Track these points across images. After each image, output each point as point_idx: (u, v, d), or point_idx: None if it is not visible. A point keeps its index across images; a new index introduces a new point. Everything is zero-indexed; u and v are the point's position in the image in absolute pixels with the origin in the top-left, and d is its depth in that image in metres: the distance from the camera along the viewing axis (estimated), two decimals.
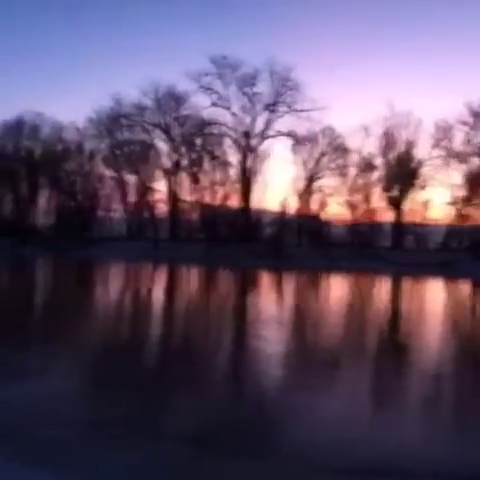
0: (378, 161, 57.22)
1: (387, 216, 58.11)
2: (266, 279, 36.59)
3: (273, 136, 63.16)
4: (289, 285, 33.67)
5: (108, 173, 65.87)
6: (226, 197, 59.71)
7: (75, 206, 64.54)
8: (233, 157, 62.51)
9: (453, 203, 55.64)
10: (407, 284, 35.69)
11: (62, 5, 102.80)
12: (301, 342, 14.30)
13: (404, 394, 9.33)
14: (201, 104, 63.50)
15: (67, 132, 65.64)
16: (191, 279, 35.91)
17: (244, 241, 55.81)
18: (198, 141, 63.18)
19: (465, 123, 54.39)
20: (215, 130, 63.50)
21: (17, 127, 66.06)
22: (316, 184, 59.56)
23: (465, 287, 35.89)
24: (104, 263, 43.98)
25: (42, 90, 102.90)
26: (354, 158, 57.03)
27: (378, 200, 57.80)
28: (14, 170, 65.94)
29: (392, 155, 57.21)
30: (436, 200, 57.79)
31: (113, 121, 62.37)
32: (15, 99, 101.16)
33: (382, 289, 33.45)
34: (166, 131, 63.81)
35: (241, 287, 31.49)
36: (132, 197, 66.73)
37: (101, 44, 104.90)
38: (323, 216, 57.97)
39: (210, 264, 43.67)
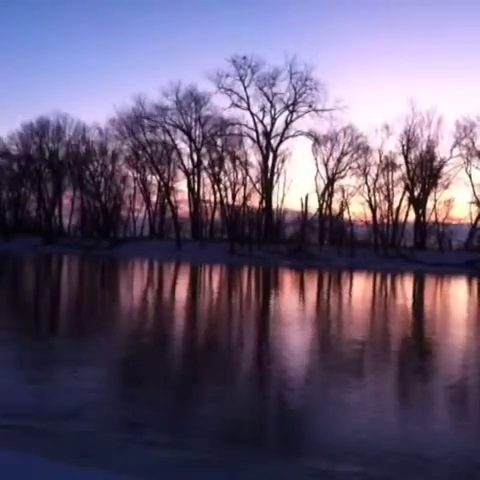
0: (400, 160, 57.02)
1: (409, 216, 57.91)
2: (290, 279, 36.77)
3: (293, 136, 63.38)
4: (314, 285, 33.78)
5: (131, 174, 66.68)
6: (247, 197, 59.96)
7: (99, 206, 65.32)
8: (254, 157, 62.85)
9: (476, 202, 55.17)
10: (431, 284, 35.55)
11: (85, 8, 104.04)
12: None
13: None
14: (222, 105, 64.21)
15: (90, 133, 66.52)
16: (217, 279, 36.18)
17: (266, 241, 56.06)
18: (219, 141, 63.52)
19: None
20: (236, 130, 63.88)
21: (41, 128, 67.01)
22: (337, 183, 59.56)
23: None
24: (129, 263, 44.53)
25: (65, 91, 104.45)
26: (375, 157, 56.87)
27: (400, 199, 57.65)
28: (38, 171, 66.96)
29: (414, 154, 56.95)
30: (459, 199, 57.40)
31: (135, 122, 62.95)
32: (39, 100, 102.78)
33: (408, 289, 33.38)
34: (187, 132, 64.28)
35: (267, 287, 31.69)
36: (155, 197, 67.54)
37: (123, 46, 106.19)
38: (345, 216, 57.85)
39: (233, 264, 43.97)
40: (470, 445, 6.96)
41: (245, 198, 59.54)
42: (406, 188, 57.11)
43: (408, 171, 56.69)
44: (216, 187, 62.17)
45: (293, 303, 22.80)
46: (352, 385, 9.58)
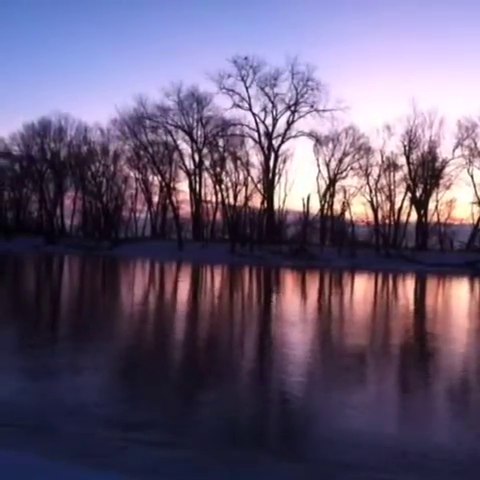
0: (401, 161, 56.95)
1: (411, 216, 57.83)
2: (291, 279, 36.75)
3: (295, 136, 63.34)
4: (315, 285, 33.77)
5: (132, 174, 66.69)
6: (249, 197, 59.95)
7: (101, 207, 65.36)
8: (255, 157, 62.83)
9: (478, 203, 55.09)
10: (433, 285, 35.50)
11: (85, 7, 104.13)
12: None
13: None
14: (223, 105, 64.19)
15: (92, 133, 66.53)
16: (219, 279, 36.17)
17: (268, 241, 56.02)
18: (220, 142, 63.52)
19: None
20: (237, 131, 63.86)
21: (43, 129, 67.02)
22: (339, 184, 59.49)
23: None
24: (130, 263, 44.50)
25: (67, 92, 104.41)
26: (377, 158, 56.80)
27: (402, 200, 57.60)
28: (40, 171, 67.03)
29: (416, 154, 56.86)
30: (461, 200, 57.29)
31: (136, 122, 62.95)
32: (40, 101, 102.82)
33: (410, 290, 33.35)
34: (189, 132, 64.30)
35: (269, 288, 31.67)
36: (156, 198, 67.59)
37: (124, 46, 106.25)
38: (346, 216, 57.80)
39: (234, 264, 43.95)
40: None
41: (247, 198, 59.54)
42: (408, 189, 57.04)
43: (410, 172, 56.60)
44: (218, 187, 62.20)
45: (296, 304, 22.79)
46: (357, 388, 9.56)
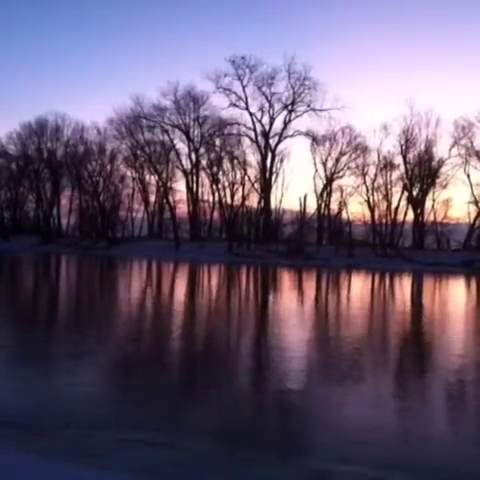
0: (398, 160, 57.06)
1: (408, 215, 57.96)
2: (288, 278, 36.76)
3: (292, 136, 63.35)
4: (312, 285, 33.78)
5: (129, 173, 66.63)
6: (246, 197, 59.99)
7: (97, 206, 65.25)
8: (252, 157, 62.84)
9: (474, 202, 55.25)
10: (429, 284, 35.57)
11: (83, 7, 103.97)
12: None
13: None
14: (220, 104, 63.98)
15: (88, 133, 66.45)
16: (216, 279, 36.14)
17: (265, 240, 56.04)
18: (217, 141, 63.56)
19: None
20: (234, 130, 63.86)
21: (39, 128, 66.92)
22: (336, 183, 59.59)
23: None
24: (127, 263, 44.46)
25: (64, 91, 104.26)
26: (374, 157, 56.91)
27: (398, 199, 57.71)
28: (37, 171, 66.91)
29: (412, 154, 56.97)
30: (457, 199, 57.45)
31: (133, 122, 62.92)
32: (37, 100, 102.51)
33: (407, 289, 33.42)
34: (185, 132, 64.24)
35: (265, 288, 31.67)
36: (153, 197, 67.52)
37: (121, 45, 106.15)
38: (343, 215, 57.88)
39: (231, 263, 43.96)
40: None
41: (244, 198, 59.59)
42: (404, 188, 57.14)
43: (406, 171, 56.75)
44: (214, 187, 62.28)
45: (292, 304, 22.77)
46: (351, 389, 9.59)
